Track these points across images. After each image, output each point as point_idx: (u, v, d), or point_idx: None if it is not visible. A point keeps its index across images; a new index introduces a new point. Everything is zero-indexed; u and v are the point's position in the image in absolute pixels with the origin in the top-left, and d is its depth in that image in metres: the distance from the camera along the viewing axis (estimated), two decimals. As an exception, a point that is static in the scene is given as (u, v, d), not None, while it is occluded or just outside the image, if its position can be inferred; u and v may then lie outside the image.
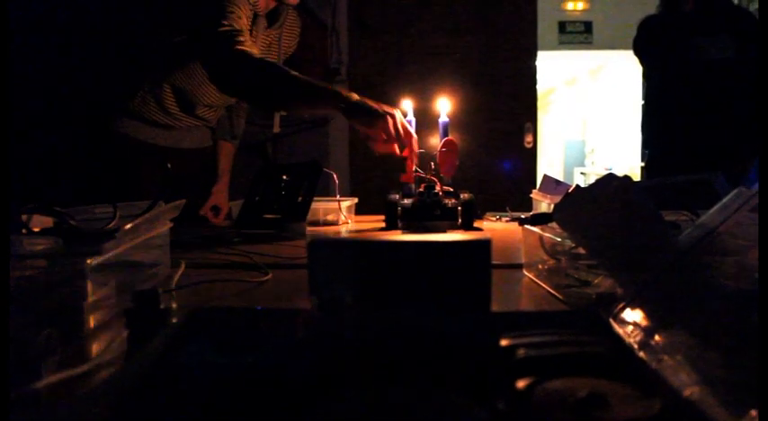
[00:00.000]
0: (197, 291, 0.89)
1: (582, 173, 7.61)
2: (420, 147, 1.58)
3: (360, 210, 1.97)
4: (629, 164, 6.71)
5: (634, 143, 2.87)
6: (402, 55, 3.46)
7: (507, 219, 1.79)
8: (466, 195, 1.57)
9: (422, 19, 3.52)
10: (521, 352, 0.41)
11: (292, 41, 1.97)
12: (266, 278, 0.98)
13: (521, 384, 0.38)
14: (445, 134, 1.65)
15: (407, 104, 1.66)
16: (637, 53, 2.71)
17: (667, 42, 2.54)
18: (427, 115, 1.95)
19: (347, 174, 3.33)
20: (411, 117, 1.63)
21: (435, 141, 1.67)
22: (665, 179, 1.10)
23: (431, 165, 1.61)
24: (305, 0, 3.05)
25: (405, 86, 2.19)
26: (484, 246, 0.50)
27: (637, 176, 4.65)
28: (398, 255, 0.51)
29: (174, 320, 0.54)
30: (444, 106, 1.68)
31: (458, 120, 1.79)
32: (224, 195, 2.05)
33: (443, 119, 1.67)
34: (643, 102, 3.17)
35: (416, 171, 1.60)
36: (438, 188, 1.55)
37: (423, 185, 1.55)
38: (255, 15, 1.71)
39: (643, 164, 3.00)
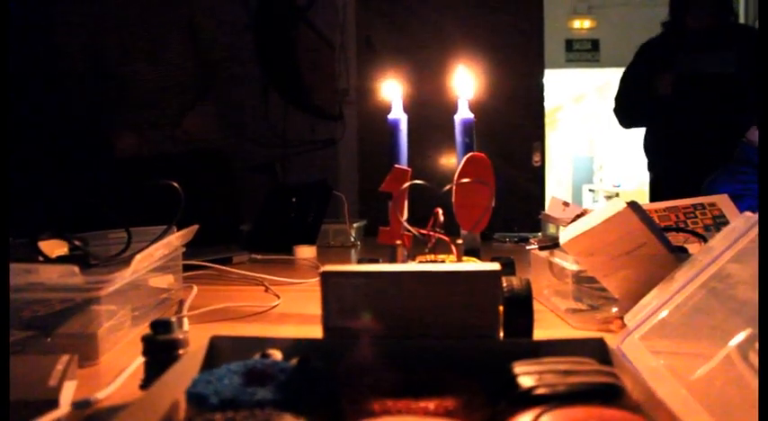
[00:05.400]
0: (209, 317, 0.90)
1: (590, 190, 7.60)
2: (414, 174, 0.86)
3: (370, 231, 1.97)
4: (638, 180, 6.69)
5: (642, 160, 2.84)
6: (410, 75, 3.50)
7: (516, 240, 1.79)
8: (499, 269, 0.55)
9: (429, 38, 3.55)
10: (530, 380, 0.42)
11: None
12: (277, 303, 0.99)
13: (530, 413, 0.39)
14: (467, 146, 0.86)
15: (392, 87, 0.91)
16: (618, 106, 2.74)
17: (661, 61, 2.52)
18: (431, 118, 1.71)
19: (357, 194, 3.33)
20: (399, 110, 0.88)
21: (449, 162, 0.97)
22: (672, 202, 1.10)
23: (438, 214, 0.76)
24: (313, 21, 3.10)
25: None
26: (493, 275, 0.51)
27: (645, 193, 4.63)
28: (410, 285, 0.51)
29: (188, 348, 0.55)
30: (465, 87, 0.88)
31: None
32: None
33: (463, 115, 0.86)
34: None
35: (406, 230, 0.83)
36: (450, 258, 0.74)
37: (418, 258, 0.75)
38: None
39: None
